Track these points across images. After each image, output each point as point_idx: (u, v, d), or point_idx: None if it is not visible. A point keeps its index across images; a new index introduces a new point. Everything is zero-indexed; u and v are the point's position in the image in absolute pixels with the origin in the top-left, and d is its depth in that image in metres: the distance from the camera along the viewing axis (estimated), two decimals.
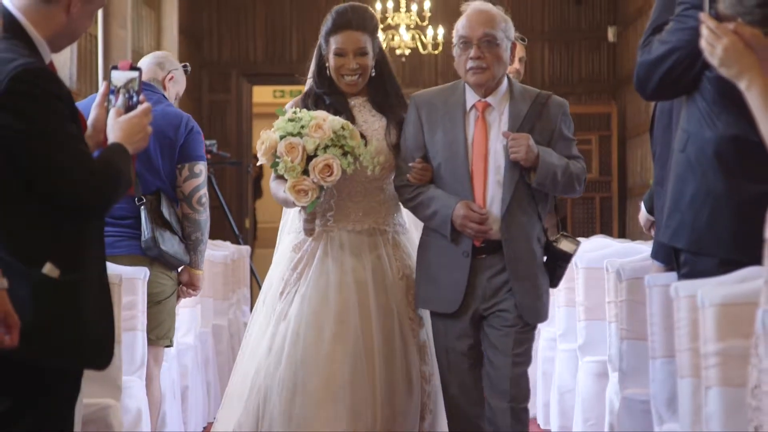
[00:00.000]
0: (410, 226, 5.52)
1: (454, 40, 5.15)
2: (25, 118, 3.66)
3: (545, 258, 5.23)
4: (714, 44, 3.66)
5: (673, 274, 4.79)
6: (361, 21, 5.24)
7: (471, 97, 5.14)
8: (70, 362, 4.00)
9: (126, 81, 4.12)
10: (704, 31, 3.72)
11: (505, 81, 5.15)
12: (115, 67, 4.19)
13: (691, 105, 4.24)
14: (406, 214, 5.45)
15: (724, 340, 3.98)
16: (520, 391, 5.04)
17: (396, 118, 5.26)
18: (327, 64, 5.28)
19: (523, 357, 5.09)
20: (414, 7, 14.56)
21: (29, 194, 3.73)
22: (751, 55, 3.58)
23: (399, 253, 5.34)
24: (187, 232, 6.04)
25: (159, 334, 6.26)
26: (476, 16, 5.10)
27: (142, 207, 6.00)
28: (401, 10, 14.50)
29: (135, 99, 4.10)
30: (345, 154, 4.89)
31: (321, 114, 4.98)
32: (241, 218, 16.81)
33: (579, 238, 5.47)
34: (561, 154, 5.05)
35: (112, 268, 5.21)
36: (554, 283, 5.23)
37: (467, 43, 5.07)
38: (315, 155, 4.86)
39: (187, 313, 7.44)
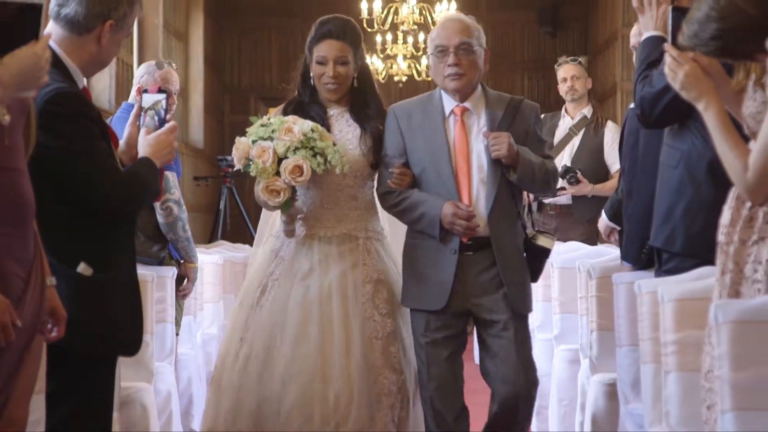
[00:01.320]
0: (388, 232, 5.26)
1: (430, 49, 4.98)
2: (58, 136, 3.69)
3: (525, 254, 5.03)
4: (676, 71, 3.66)
5: (637, 273, 4.81)
6: (342, 31, 4.99)
7: (449, 103, 4.93)
8: (103, 350, 4.04)
9: (153, 102, 4.14)
10: (668, 59, 3.72)
11: (479, 86, 4.96)
12: (146, 91, 4.22)
13: (684, 128, 4.29)
14: (385, 220, 5.22)
15: (681, 331, 3.98)
16: (526, 377, 4.84)
17: (372, 129, 5.02)
18: (310, 73, 5.03)
19: (525, 347, 4.90)
20: (410, 39, 14.59)
21: (64, 202, 3.78)
22: (708, 80, 3.59)
23: (370, 259, 5.00)
24: (164, 233, 6.00)
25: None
26: (452, 25, 4.91)
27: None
28: (399, 42, 14.54)
29: (162, 118, 4.11)
30: (315, 155, 4.68)
31: (291, 118, 4.79)
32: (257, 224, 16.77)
33: (557, 242, 5.42)
34: (535, 153, 4.85)
35: (146, 269, 5.23)
36: (534, 277, 5.03)
37: (444, 51, 4.86)
38: (286, 157, 4.67)
39: (211, 308, 7.48)
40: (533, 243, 4.88)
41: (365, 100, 5.06)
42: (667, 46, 3.74)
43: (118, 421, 4.86)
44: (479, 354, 4.88)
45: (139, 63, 12.26)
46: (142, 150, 4.06)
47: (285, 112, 4.91)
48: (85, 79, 4.03)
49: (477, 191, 4.80)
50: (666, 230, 4.41)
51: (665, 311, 4.04)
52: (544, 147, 5.00)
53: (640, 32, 4.69)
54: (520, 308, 4.85)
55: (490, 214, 4.77)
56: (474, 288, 4.81)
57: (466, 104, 4.86)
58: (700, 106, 3.60)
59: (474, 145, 4.83)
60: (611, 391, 5.33)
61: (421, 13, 13.84)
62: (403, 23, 14.09)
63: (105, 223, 3.94)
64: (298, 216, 4.97)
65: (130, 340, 4.11)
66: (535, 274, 4.98)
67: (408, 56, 14.87)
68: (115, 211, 3.95)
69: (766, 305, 3.27)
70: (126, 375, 4.98)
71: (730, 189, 3.66)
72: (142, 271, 5.13)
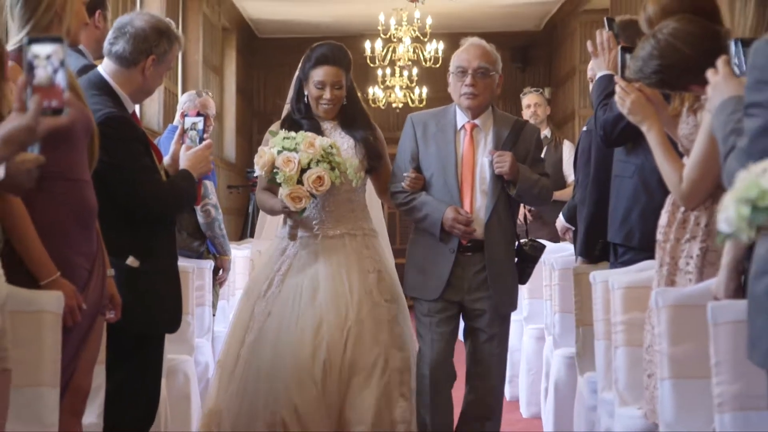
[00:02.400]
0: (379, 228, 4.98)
1: (452, 68, 4.65)
2: (108, 153, 3.69)
3: (516, 259, 4.77)
4: (624, 99, 3.66)
5: (591, 266, 4.79)
6: (338, 58, 4.69)
7: (461, 119, 4.64)
8: (149, 328, 4.05)
9: (193, 124, 4.15)
10: (617, 89, 3.73)
11: (490, 107, 4.70)
12: (187, 115, 4.24)
13: (637, 145, 4.23)
14: (377, 221, 4.96)
15: (627, 313, 3.98)
16: (501, 375, 4.71)
17: (363, 138, 4.74)
18: (305, 93, 4.73)
19: (504, 348, 4.71)
20: (405, 73, 14.60)
21: (115, 208, 3.80)
22: (650, 107, 3.59)
23: (370, 252, 4.73)
24: (203, 231, 6.04)
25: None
26: (474, 50, 4.63)
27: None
28: (396, 75, 14.56)
29: (201, 137, 4.12)
30: (333, 168, 4.44)
31: (310, 134, 4.51)
32: None
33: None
34: (533, 170, 4.60)
35: (188, 261, 5.24)
36: (523, 280, 4.79)
37: (464, 72, 4.57)
38: (308, 168, 4.41)
39: (240, 294, 7.47)
40: (525, 250, 4.67)
41: (353, 114, 4.81)
42: (617, 78, 3.75)
43: (165, 386, 4.87)
44: (464, 341, 4.72)
45: (183, 92, 12.29)
46: (183, 163, 4.07)
47: (282, 127, 4.70)
48: (135, 105, 4.07)
49: (478, 200, 4.58)
50: (625, 229, 4.39)
51: (615, 297, 4.05)
52: (542, 166, 4.76)
53: (594, 68, 4.69)
54: (503, 309, 4.65)
55: (488, 222, 4.56)
56: (467, 284, 4.59)
57: (477, 121, 4.63)
58: (643, 128, 3.60)
59: (480, 158, 4.60)
60: (570, 363, 5.34)
61: (414, 52, 13.84)
62: (399, 60, 14.10)
63: (148, 224, 3.97)
64: (308, 224, 4.70)
65: (172, 319, 4.13)
66: (524, 277, 4.76)
67: (403, 87, 14.91)
68: (156, 215, 3.98)
69: (696, 292, 3.28)
70: (171, 349, 4.97)
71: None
72: (185, 263, 5.14)
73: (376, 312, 4.61)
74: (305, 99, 4.71)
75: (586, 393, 4.72)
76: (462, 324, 4.79)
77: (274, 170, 4.44)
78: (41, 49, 2.32)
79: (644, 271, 4.05)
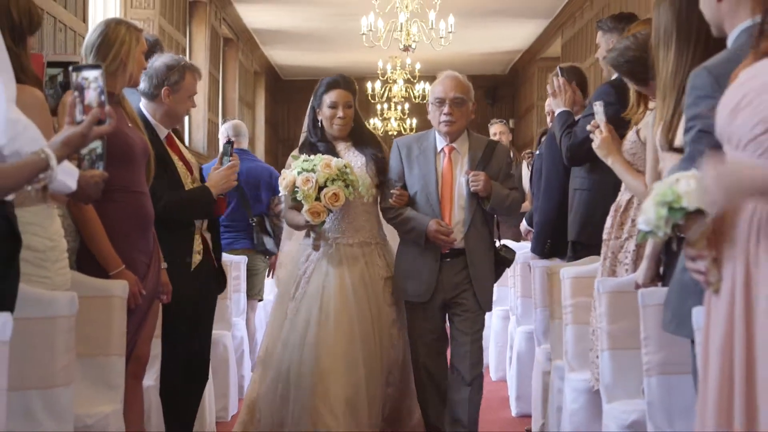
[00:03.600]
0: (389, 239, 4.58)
1: (431, 99, 4.33)
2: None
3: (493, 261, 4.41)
4: (596, 137, 3.69)
5: (546, 261, 4.79)
6: (347, 84, 4.40)
7: (440, 142, 4.29)
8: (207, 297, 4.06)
9: (224, 147, 4.12)
10: (588, 128, 3.76)
11: (465, 131, 4.35)
12: (228, 142, 4.21)
13: (594, 164, 4.16)
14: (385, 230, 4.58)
15: (575, 298, 3.98)
16: (477, 359, 4.25)
17: (373, 156, 4.39)
18: (319, 119, 4.39)
19: (478, 334, 4.28)
20: (399, 107, 14.66)
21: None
22: (613, 144, 3.62)
23: (381, 260, 4.40)
24: (276, 234, 6.05)
25: (253, 292, 6.32)
26: (449, 82, 4.29)
27: (253, 223, 6.05)
28: (392, 109, 14.63)
29: (228, 159, 4.03)
30: (347, 186, 4.18)
31: (327, 157, 4.25)
32: None
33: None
34: (505, 186, 4.27)
35: (226, 257, 5.22)
36: (495, 279, 4.43)
37: (442, 102, 4.24)
38: (325, 186, 4.16)
39: (269, 282, 7.44)
40: (499, 255, 4.35)
41: (362, 134, 4.48)
42: (593, 124, 3.74)
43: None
44: (450, 331, 4.34)
45: (222, 122, 12.34)
46: (208, 180, 3.98)
47: (301, 151, 4.44)
48: (167, 129, 3.97)
49: (456, 214, 4.23)
50: (587, 230, 4.32)
51: (565, 285, 4.06)
52: (513, 181, 4.42)
53: (552, 105, 4.67)
54: (484, 306, 4.28)
55: (466, 233, 4.21)
56: (449, 285, 4.23)
57: (454, 144, 4.29)
58: (608, 161, 3.63)
59: (457, 177, 4.26)
60: (530, 338, 5.34)
61: (406, 91, 13.88)
62: (394, 97, 14.15)
63: (180, 227, 3.88)
64: (328, 237, 4.38)
65: (211, 300, 4.12)
66: (498, 276, 4.43)
67: (398, 118, 15.02)
68: (169, 220, 3.78)
69: (630, 281, 3.28)
70: (214, 326, 4.98)
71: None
72: (224, 258, 5.13)
73: (383, 314, 4.34)
74: (319, 123, 4.41)
75: (542, 361, 4.72)
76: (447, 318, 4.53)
77: (295, 189, 4.21)
78: (89, 74, 2.32)
79: (589, 264, 4.07)
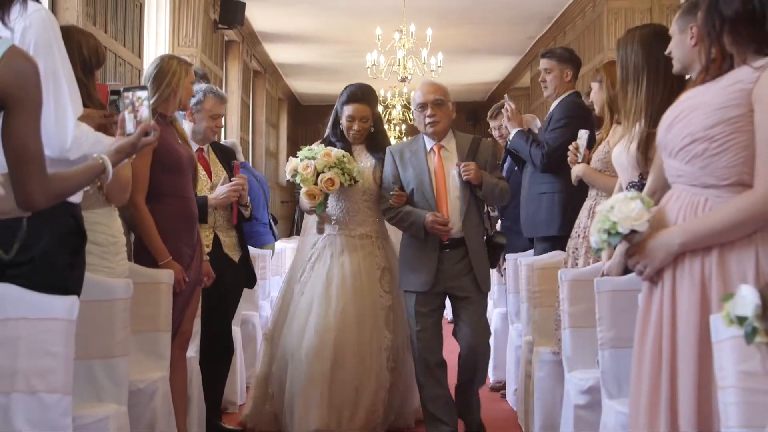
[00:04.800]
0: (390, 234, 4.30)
1: (414, 106, 4.01)
2: None
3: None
4: (573, 165, 3.71)
5: (516, 254, 4.71)
6: (366, 97, 4.11)
7: (429, 143, 3.94)
8: (234, 288, 4.05)
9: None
10: (571, 147, 3.75)
11: (450, 131, 4.01)
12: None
13: (561, 171, 4.11)
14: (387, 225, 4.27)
15: (542, 285, 3.99)
16: (483, 338, 3.92)
17: (380, 158, 4.11)
18: (340, 122, 4.13)
19: (484, 317, 3.98)
20: (397, 128, 14.63)
21: None
22: (586, 168, 3.66)
23: (381, 252, 4.13)
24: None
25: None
26: (427, 87, 3.98)
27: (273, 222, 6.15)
28: (391, 130, 14.61)
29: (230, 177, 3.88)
30: (344, 173, 3.91)
31: (329, 148, 4.02)
32: None
33: None
34: (493, 176, 3.94)
35: (253, 251, 5.21)
36: (493, 264, 4.09)
37: (424, 106, 3.91)
38: (323, 172, 3.91)
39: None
40: (493, 240, 4.01)
41: (378, 140, 4.17)
42: (574, 145, 3.75)
43: (240, 332, 4.87)
44: (453, 320, 3.98)
45: (253, 141, 12.33)
46: (213, 192, 3.86)
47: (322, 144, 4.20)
48: (197, 145, 3.92)
49: (452, 205, 3.87)
50: (555, 226, 4.31)
51: (534, 274, 4.05)
52: (499, 171, 4.09)
53: (506, 126, 4.59)
54: (484, 288, 3.93)
55: (463, 222, 3.86)
56: (450, 274, 3.86)
57: (442, 143, 3.95)
58: (585, 179, 3.68)
59: (449, 172, 3.90)
60: (504, 318, 5.32)
61: (403, 114, 13.89)
62: (393, 119, 14.18)
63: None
64: (331, 220, 4.13)
65: (238, 285, 4.09)
66: (494, 262, 4.08)
67: (396, 137, 14.92)
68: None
69: (588, 271, 3.28)
70: (245, 307, 4.99)
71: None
72: (253, 252, 5.12)
73: (378, 300, 4.06)
74: (340, 126, 4.12)
75: (514, 337, 4.72)
76: (449, 307, 4.11)
77: (296, 173, 3.97)
78: (140, 94, 2.31)
79: (555, 257, 4.07)
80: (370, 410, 3.95)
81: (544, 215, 4.37)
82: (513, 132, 4.47)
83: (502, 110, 4.62)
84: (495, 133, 5.29)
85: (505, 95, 4.71)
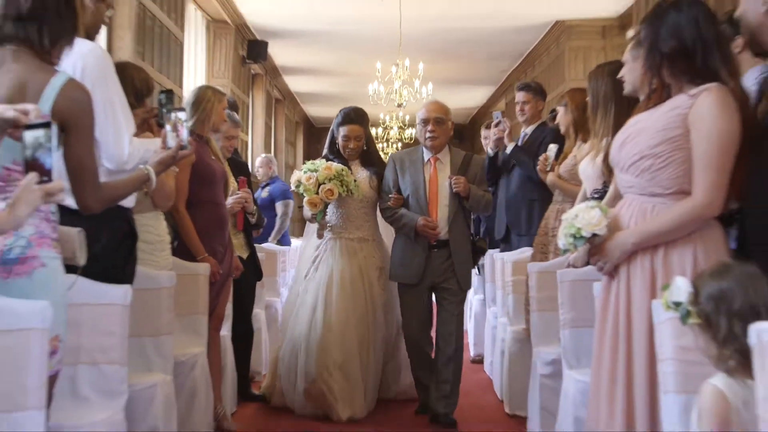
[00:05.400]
0: (384, 237, 4.09)
1: (417, 120, 3.84)
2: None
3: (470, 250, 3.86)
4: (541, 173, 3.72)
5: (493, 250, 4.70)
6: (359, 118, 3.95)
7: (427, 154, 3.79)
8: (253, 278, 4.01)
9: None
10: (541, 158, 3.75)
11: (447, 145, 3.85)
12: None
13: (542, 183, 4.03)
14: (383, 228, 4.06)
15: (515, 275, 3.98)
16: (460, 329, 3.72)
17: (375, 173, 3.95)
18: (336, 141, 3.97)
19: (461, 311, 3.77)
20: (394, 146, 14.58)
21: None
22: (557, 179, 3.66)
23: (377, 253, 3.96)
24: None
25: None
26: (431, 106, 3.82)
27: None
28: (390, 147, 14.54)
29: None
30: (342, 185, 3.79)
31: (330, 162, 3.86)
32: None
33: None
34: (480, 188, 3.78)
35: (277, 247, 5.21)
36: (474, 265, 3.91)
37: (426, 122, 3.77)
38: (324, 183, 3.79)
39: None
40: (476, 245, 3.87)
41: (370, 156, 4.01)
42: (545, 156, 3.75)
43: (264, 316, 4.87)
44: (437, 310, 3.82)
45: (275, 156, 12.33)
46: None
47: None
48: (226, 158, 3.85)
49: (442, 211, 3.73)
50: (524, 226, 4.30)
51: (506, 267, 4.06)
52: (486, 184, 3.90)
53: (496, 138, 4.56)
54: (464, 285, 3.76)
55: (450, 226, 3.72)
56: (437, 271, 3.73)
57: (438, 156, 3.80)
58: (553, 187, 3.68)
59: (441, 182, 3.76)
60: (482, 303, 5.34)
61: (399, 134, 13.83)
62: (391, 138, 14.14)
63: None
64: (327, 226, 3.97)
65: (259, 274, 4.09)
66: (475, 263, 3.93)
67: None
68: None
69: (553, 264, 3.29)
70: (268, 293, 5.00)
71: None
72: (274, 248, 5.13)
73: (376, 296, 3.90)
74: (336, 145, 3.98)
75: (491, 319, 4.72)
76: (434, 299, 3.96)
77: (299, 184, 3.83)
78: (181, 115, 2.28)
79: (524, 252, 4.07)
80: (369, 393, 3.85)
81: (526, 217, 4.35)
82: (510, 146, 4.43)
83: (495, 127, 4.55)
84: (484, 142, 5.27)
85: (502, 115, 4.61)
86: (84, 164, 1.85)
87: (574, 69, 8.62)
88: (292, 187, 3.94)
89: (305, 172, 3.84)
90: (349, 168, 3.92)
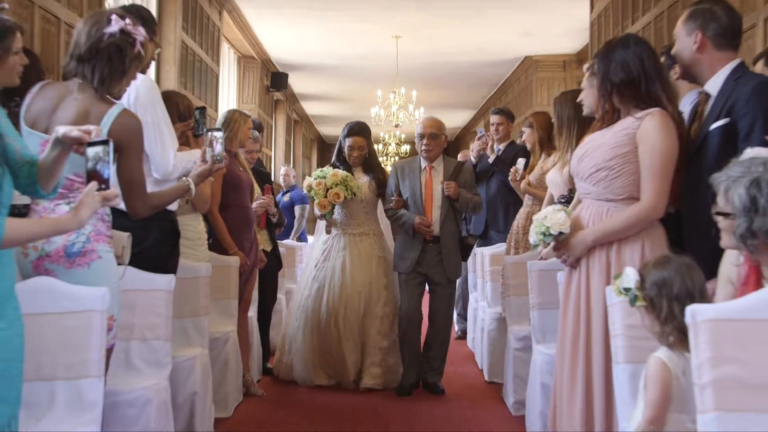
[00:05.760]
0: (385, 232, 3.94)
1: (415, 133, 3.73)
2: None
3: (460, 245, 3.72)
4: (512, 182, 3.76)
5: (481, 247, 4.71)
6: (362, 131, 3.86)
7: (423, 163, 3.68)
8: (275, 268, 3.92)
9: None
10: (511, 171, 3.73)
11: (442, 155, 3.74)
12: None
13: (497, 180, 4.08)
14: (383, 226, 3.92)
15: (493, 266, 3.97)
16: (449, 313, 3.64)
17: (375, 178, 3.84)
18: (343, 151, 3.85)
19: (452, 299, 3.67)
20: (391, 160, 14.54)
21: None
22: (527, 186, 3.66)
23: (377, 245, 3.81)
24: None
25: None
26: (426, 122, 3.71)
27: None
28: (388, 161, 14.48)
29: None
30: (347, 189, 3.72)
31: (336, 170, 3.77)
32: None
33: None
34: (469, 192, 3.65)
35: (296, 244, 5.17)
36: (465, 258, 3.73)
37: (422, 136, 3.66)
38: (331, 188, 3.71)
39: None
40: (464, 241, 3.70)
41: (372, 164, 3.88)
42: (515, 169, 3.72)
43: (285, 300, 4.84)
44: (429, 298, 3.71)
45: (294, 167, 12.32)
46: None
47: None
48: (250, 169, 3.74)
49: (435, 212, 3.63)
50: (502, 224, 4.29)
51: (485, 260, 4.05)
52: (475, 189, 3.76)
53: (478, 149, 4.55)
54: (452, 277, 3.64)
55: (441, 225, 3.62)
56: (430, 263, 3.62)
57: (433, 164, 3.68)
58: (523, 192, 3.66)
59: (435, 187, 3.65)
60: (467, 289, 5.32)
61: (396, 150, 13.77)
62: (389, 153, 14.05)
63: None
64: (337, 223, 3.85)
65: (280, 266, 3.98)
66: (465, 257, 3.74)
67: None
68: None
69: (523, 258, 3.28)
70: (288, 281, 4.97)
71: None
72: (294, 244, 5.11)
73: (375, 281, 3.76)
74: (343, 153, 3.87)
75: (473, 302, 4.71)
76: (427, 287, 3.79)
77: (310, 188, 3.75)
78: (218, 135, 2.25)
79: (500, 247, 4.06)
80: (370, 367, 3.70)
81: (504, 218, 4.34)
82: (492, 158, 4.43)
83: (478, 141, 4.57)
84: (471, 154, 5.23)
85: (483, 131, 4.62)
86: (134, 178, 1.88)
87: (540, 96, 8.74)
88: (304, 191, 3.86)
89: (315, 179, 3.80)
90: (353, 173, 3.87)
